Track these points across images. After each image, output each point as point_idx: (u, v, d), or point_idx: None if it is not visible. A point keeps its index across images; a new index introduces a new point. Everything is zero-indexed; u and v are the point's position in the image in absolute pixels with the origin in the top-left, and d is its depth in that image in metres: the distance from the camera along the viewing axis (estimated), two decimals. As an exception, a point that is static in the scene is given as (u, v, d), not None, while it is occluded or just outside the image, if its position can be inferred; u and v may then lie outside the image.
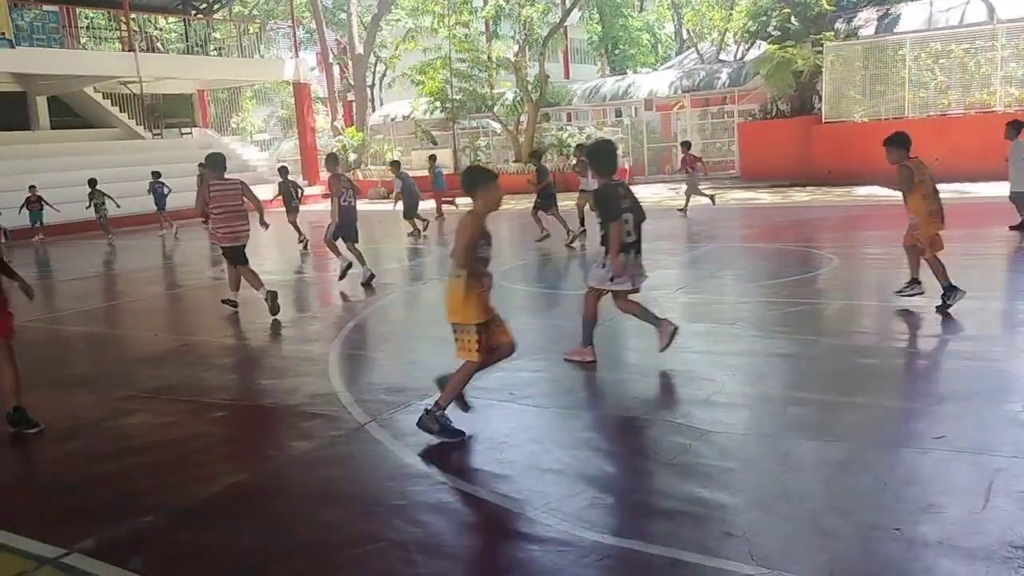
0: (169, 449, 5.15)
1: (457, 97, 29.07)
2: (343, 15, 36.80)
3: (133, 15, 28.13)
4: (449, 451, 4.80)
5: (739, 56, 31.11)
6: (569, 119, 35.04)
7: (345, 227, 10.83)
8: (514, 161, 29.41)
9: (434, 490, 4.27)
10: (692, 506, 3.86)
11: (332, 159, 11.84)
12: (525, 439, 4.90)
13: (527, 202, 20.72)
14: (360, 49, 33.19)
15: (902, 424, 4.74)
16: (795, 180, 22.80)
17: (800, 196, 20.33)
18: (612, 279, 6.11)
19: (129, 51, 26.66)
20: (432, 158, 18.05)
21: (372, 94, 40.79)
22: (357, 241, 10.98)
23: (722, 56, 34.26)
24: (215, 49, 31.86)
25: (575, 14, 38.73)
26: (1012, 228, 11.82)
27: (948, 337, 6.67)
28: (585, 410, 5.42)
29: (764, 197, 19.97)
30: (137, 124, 29.25)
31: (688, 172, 17.50)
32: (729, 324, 7.62)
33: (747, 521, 3.68)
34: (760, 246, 12.63)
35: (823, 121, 22.99)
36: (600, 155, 6.55)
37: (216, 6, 33.73)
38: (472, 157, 30.55)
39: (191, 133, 31.45)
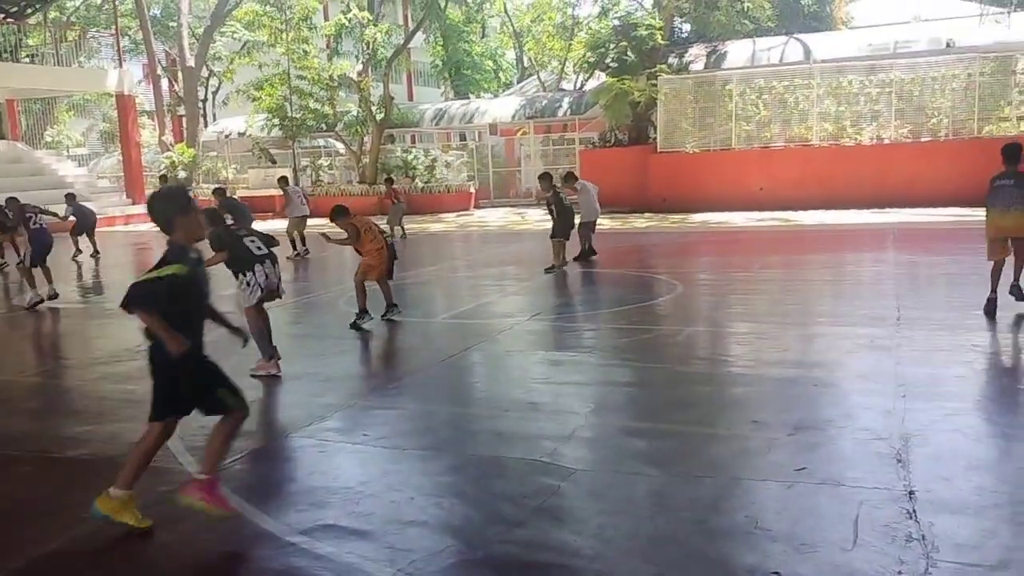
0: (-43, 517, 4.37)
1: (297, 115, 28.10)
2: (173, 24, 34.80)
3: (-73, 13, 25.34)
4: (298, 504, 4.34)
5: (579, 85, 32.01)
6: (414, 141, 34.78)
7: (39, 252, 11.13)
8: (359, 182, 28.75)
9: (281, 553, 3.80)
10: (568, 558, 3.62)
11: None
12: (383, 486, 4.51)
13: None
14: (191, 61, 31.43)
15: (764, 455, 4.73)
16: (633, 207, 23.56)
17: (639, 223, 20.99)
18: (261, 291, 6.72)
19: (-81, 52, 23.96)
20: (283, 179, 17.24)
21: (205, 109, 38.79)
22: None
23: (563, 85, 35.16)
24: (27, 56, 29.21)
25: (419, 36, 38.60)
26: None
27: (793, 362, 6.86)
28: (446, 451, 5.08)
29: (604, 223, 20.42)
30: (-69, 134, 26.25)
31: (393, 203, 19.11)
32: (586, 352, 7.54)
33: (625, 572, 3.48)
34: (606, 272, 12.80)
35: (658, 151, 23.94)
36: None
37: (29, 10, 30.99)
38: (314, 177, 29.60)
39: (-4, 145, 28.61)
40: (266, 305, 6.97)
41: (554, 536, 3.85)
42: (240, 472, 4.82)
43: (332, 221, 8.69)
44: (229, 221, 8.96)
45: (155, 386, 4.03)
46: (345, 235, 8.64)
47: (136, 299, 3.82)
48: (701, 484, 4.37)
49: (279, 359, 6.99)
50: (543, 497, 4.27)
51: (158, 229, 3.97)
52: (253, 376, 6.84)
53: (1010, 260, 8.07)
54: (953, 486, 4.18)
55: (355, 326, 8.65)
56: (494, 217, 24.77)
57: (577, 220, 13.09)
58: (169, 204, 3.96)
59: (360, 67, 29.07)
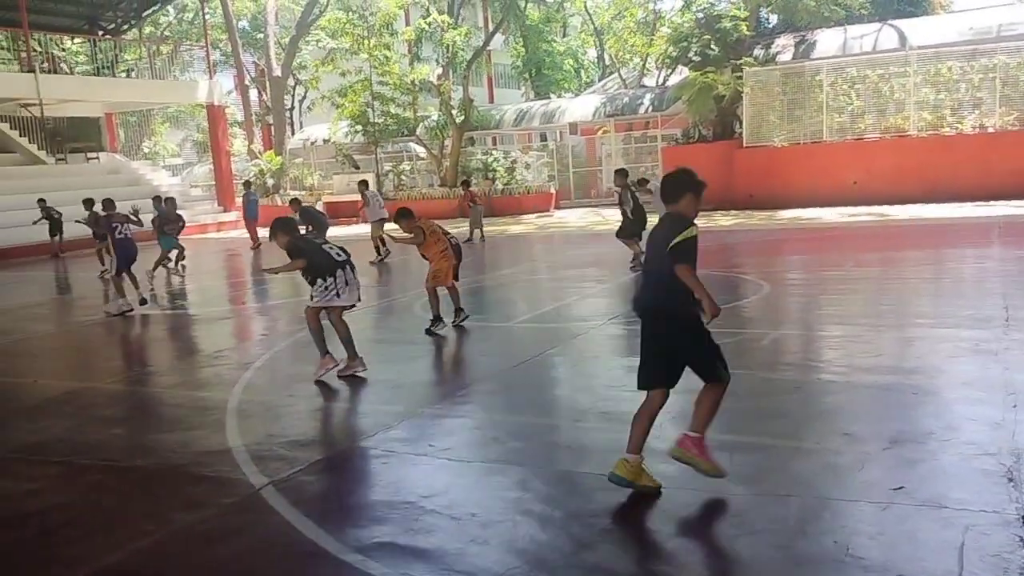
0: (24, 525, 4.39)
1: (379, 120, 28.43)
2: (260, 36, 35.77)
3: (35, 34, 26.69)
4: (357, 519, 4.19)
5: (661, 81, 31.36)
6: (494, 143, 34.78)
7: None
8: (439, 185, 28.89)
9: (332, 574, 3.65)
10: (636, 585, 3.35)
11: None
12: (445, 502, 4.31)
13: (454, 226, 20.31)
14: (278, 71, 32.19)
15: (855, 472, 4.34)
16: (718, 204, 22.84)
17: (724, 221, 20.33)
18: (338, 295, 6.74)
19: (29, 71, 25.23)
20: (363, 183, 17.36)
21: (291, 117, 39.75)
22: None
23: (644, 81, 34.54)
24: (124, 71, 30.50)
25: (499, 38, 38.64)
26: None
27: (889, 368, 6.36)
28: (513, 463, 4.86)
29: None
30: (39, 148, 27.62)
31: (471, 206, 18.84)
32: (663, 358, 7.19)
33: (699, 603, 3.19)
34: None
35: (744, 145, 23.18)
36: None
37: (125, 27, 32.37)
38: (396, 181, 29.91)
39: (97, 158, 29.92)
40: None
41: (622, 561, 3.59)
42: (300, 484, 4.70)
43: (396, 223, 8.69)
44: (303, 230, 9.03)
45: (655, 353, 4.28)
46: (411, 236, 8.57)
47: (685, 255, 4.11)
48: (786, 504, 4.02)
49: (361, 370, 6.92)
50: (613, 517, 4.00)
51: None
52: (318, 382, 6.79)
53: None
54: (1075, 511, 3.72)
55: (430, 332, 8.56)
56: (574, 218, 24.46)
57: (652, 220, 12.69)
58: (683, 181, 4.33)
59: (440, 71, 29.22)
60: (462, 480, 4.63)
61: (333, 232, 22.81)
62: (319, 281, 6.70)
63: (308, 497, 4.52)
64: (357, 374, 6.90)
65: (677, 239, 4.11)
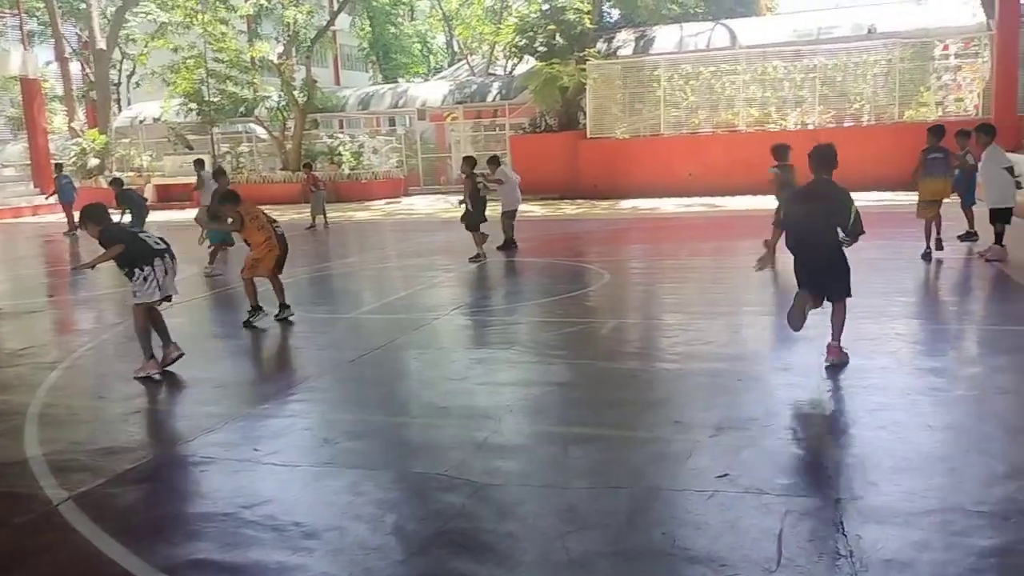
0: None
1: (214, 99, 26.99)
2: (83, 6, 33.08)
3: None
4: (169, 535, 3.85)
5: (509, 70, 31.57)
6: (341, 126, 33.89)
7: None
8: (281, 169, 27.82)
9: (141, 598, 3.33)
10: (465, 592, 3.24)
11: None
12: (269, 512, 4.03)
13: (296, 212, 19.56)
14: (102, 43, 29.87)
15: (685, 461, 4.42)
16: (564, 193, 23.29)
17: (569, 209, 20.73)
18: (159, 287, 6.33)
19: None
20: (199, 163, 16.09)
21: (118, 93, 37.09)
22: None
23: (493, 69, 34.66)
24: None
25: (345, 19, 37.62)
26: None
27: (718, 355, 6.59)
28: (344, 466, 4.63)
29: (536, 210, 20.13)
30: None
31: (313, 191, 18.29)
32: (505, 348, 7.16)
33: (529, 607, 3.12)
34: (534, 260, 12.45)
35: (588, 137, 23.69)
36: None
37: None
38: (235, 164, 28.54)
39: None
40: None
41: (454, 565, 3.46)
42: (105, 497, 4.29)
43: (219, 204, 8.20)
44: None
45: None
46: (231, 221, 8.12)
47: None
48: (618, 496, 4.03)
49: (178, 356, 6.48)
50: (445, 519, 3.87)
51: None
52: (137, 379, 6.31)
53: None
54: (881, 492, 3.93)
55: (248, 324, 8.13)
56: (423, 205, 24.22)
57: (499, 209, 12.76)
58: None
59: (281, 49, 28.08)
60: (288, 487, 4.36)
61: (165, 217, 21.50)
62: (136, 272, 6.19)
63: (114, 512, 4.12)
64: (173, 359, 6.52)
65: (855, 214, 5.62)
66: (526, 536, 3.67)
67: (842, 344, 5.86)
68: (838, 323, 5.87)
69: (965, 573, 3.19)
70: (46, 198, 22.66)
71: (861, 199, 6.02)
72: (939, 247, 10.25)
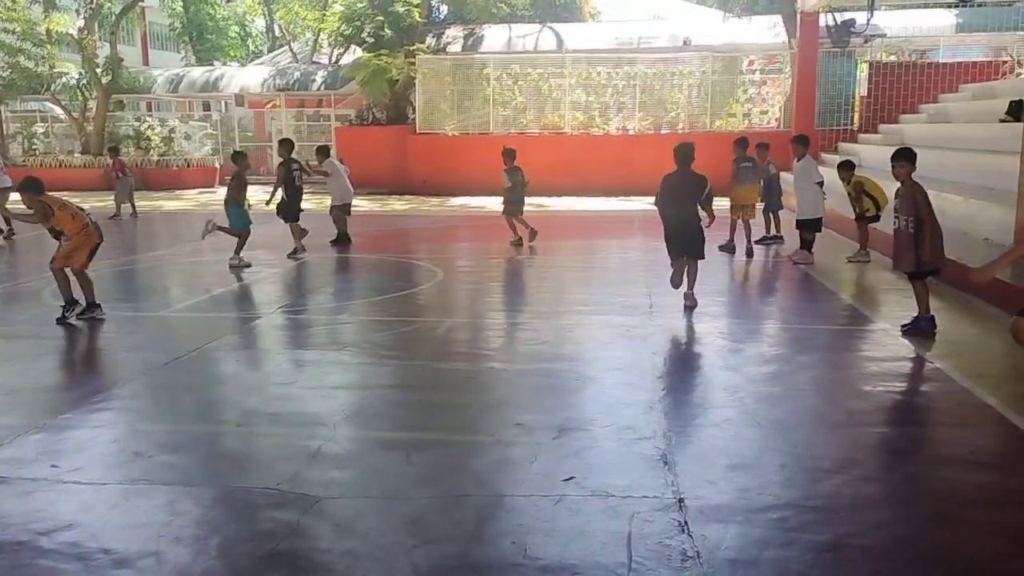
0: None
1: (3, 74, 24.33)
2: None
3: None
4: (-57, 574, 3.28)
5: (334, 59, 30.66)
6: (149, 109, 31.64)
7: None
8: (81, 152, 25.52)
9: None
10: (304, 620, 2.96)
11: None
12: (72, 538, 3.55)
13: (97, 199, 17.93)
14: None
15: (530, 465, 4.33)
16: (393, 189, 22.91)
17: (398, 205, 20.40)
18: None
19: None
20: None
21: None
22: None
23: (317, 57, 33.56)
24: None
25: (154, -6, 35.19)
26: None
27: (554, 355, 6.60)
28: (158, 483, 4.17)
29: (363, 204, 19.63)
30: None
31: (118, 177, 17.13)
32: (337, 350, 6.82)
33: (376, 632, 2.89)
34: (364, 257, 12.07)
35: (417, 131, 23.43)
36: None
37: None
38: (27, 145, 25.89)
39: None
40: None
41: (290, 590, 3.17)
42: None
43: (20, 194, 7.36)
44: None
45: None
46: (31, 212, 7.30)
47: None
48: (464, 505, 3.88)
49: None
50: (278, 539, 3.55)
51: None
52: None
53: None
54: (720, 490, 4.02)
55: (62, 320, 7.38)
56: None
57: (326, 202, 12.31)
58: None
59: (82, 23, 25.75)
60: (94, 508, 3.86)
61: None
62: None
63: None
64: None
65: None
66: (368, 553, 3.44)
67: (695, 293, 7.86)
68: (693, 277, 7.92)
69: (805, 569, 3.30)
70: None
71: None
72: (749, 254, 11.01)
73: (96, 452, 4.54)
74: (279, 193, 11.58)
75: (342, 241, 12.42)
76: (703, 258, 7.95)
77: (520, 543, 3.49)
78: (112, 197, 17.06)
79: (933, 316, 6.82)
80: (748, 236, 11.20)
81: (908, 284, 7.08)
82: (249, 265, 10.69)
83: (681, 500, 3.87)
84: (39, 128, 27.30)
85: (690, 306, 7.80)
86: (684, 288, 7.93)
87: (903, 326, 6.90)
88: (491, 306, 8.98)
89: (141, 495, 4.01)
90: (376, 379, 6.04)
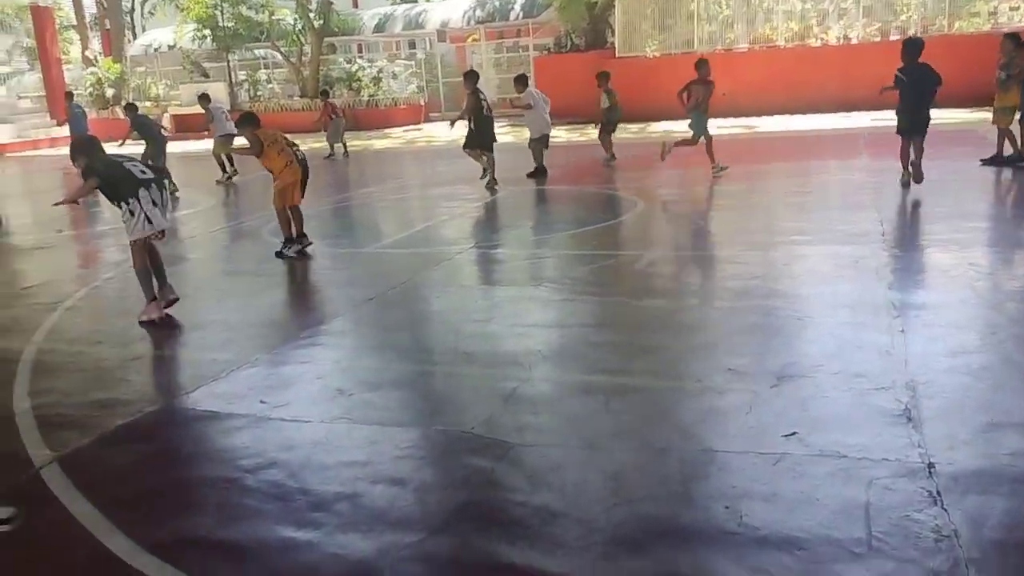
0: None
1: (228, 24, 26.08)
2: (92, -72, 32.00)
3: None
4: (163, 506, 3.39)
5: (532, -14, 30.13)
6: (359, 51, 32.85)
7: None
8: (299, 96, 27.01)
9: (122, 587, 2.88)
10: (496, 582, 2.75)
11: None
12: (275, 476, 3.57)
13: (315, 140, 18.90)
14: (113, -31, 28.95)
15: (743, 416, 3.87)
16: (592, 117, 22.32)
17: (595, 133, 19.82)
18: (149, 221, 5.74)
19: None
20: (204, 97, 15.46)
21: (131, 21, 36.19)
22: None
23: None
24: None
25: (361, -63, 36.18)
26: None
27: (770, 291, 5.97)
28: (358, 422, 4.13)
29: (561, 135, 19.31)
30: None
31: (331, 119, 17.42)
32: (534, 286, 6.59)
33: (572, 603, 2.62)
34: (562, 189, 11.78)
35: (617, 55, 22.58)
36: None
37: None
38: (252, 92, 27.78)
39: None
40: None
41: (481, 545, 2.97)
42: (93, 459, 3.85)
43: (237, 128, 7.87)
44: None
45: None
46: (248, 146, 7.69)
47: None
48: (668, 460, 3.51)
49: (174, 299, 6.05)
50: (472, 488, 3.38)
51: None
52: (142, 324, 5.87)
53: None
54: (979, 453, 3.36)
55: (281, 255, 7.77)
56: (444, 131, 23.40)
57: (526, 135, 12.10)
58: None
59: (295, -30, 26.97)
60: (297, 446, 3.87)
61: (182, 147, 20.97)
62: (123, 206, 5.70)
63: (101, 478, 3.68)
64: (169, 303, 6.10)
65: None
66: (565, 510, 3.17)
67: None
68: (919, 152, 9.00)
69: (1105, 564, 2.65)
70: (57, 125, 22.18)
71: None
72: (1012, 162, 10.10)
73: (301, 389, 4.60)
74: (461, 124, 11.63)
75: (539, 173, 12.19)
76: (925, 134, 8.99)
77: (734, 508, 3.08)
78: (326, 138, 17.85)
79: None
80: (1013, 143, 10.15)
81: None
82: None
83: (931, 465, 3.27)
84: (262, 75, 29.16)
85: (917, 179, 8.92)
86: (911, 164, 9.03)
87: None
88: (696, 237, 8.39)
89: (341, 434, 3.98)
90: (573, 317, 5.74)
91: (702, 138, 11.22)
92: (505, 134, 11.85)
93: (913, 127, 8.98)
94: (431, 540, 3.02)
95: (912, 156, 9.05)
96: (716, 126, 18.78)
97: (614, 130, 13.42)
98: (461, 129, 12.09)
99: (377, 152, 19.48)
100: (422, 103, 26.87)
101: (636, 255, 7.42)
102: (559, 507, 3.18)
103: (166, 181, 6.16)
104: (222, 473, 3.67)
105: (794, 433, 3.61)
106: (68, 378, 5.04)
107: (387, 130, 24.41)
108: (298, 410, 4.30)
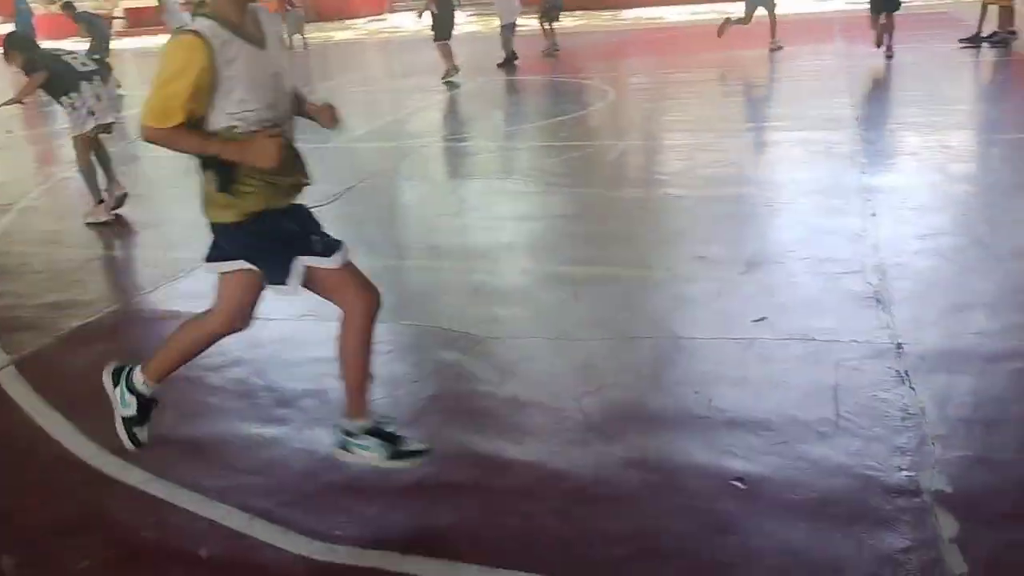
0: None
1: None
2: None
3: None
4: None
5: None
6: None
7: None
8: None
9: (90, 486, 2.84)
10: (469, 472, 2.73)
11: None
12: (238, 374, 3.51)
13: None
14: None
15: (713, 303, 3.84)
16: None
17: (566, 22, 19.18)
18: (92, 114, 5.45)
19: None
20: None
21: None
22: None
23: None
24: None
25: None
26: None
27: (741, 178, 5.88)
28: (322, 319, 4.03)
29: (531, 24, 18.65)
30: None
31: (287, 10, 16.44)
32: (504, 178, 6.45)
33: (541, 492, 2.61)
34: (531, 79, 11.45)
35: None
36: None
37: None
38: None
39: None
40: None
41: (450, 435, 2.95)
42: (50, 362, 3.76)
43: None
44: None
45: None
46: None
47: None
48: (639, 348, 3.49)
49: (123, 195, 5.85)
50: (440, 380, 3.35)
51: None
52: (88, 226, 5.69)
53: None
54: (946, 332, 3.38)
55: None
56: (411, 22, 22.56)
57: (495, 23, 11.66)
58: None
59: None
60: (260, 345, 3.76)
61: (137, 43, 20.09)
62: (64, 100, 5.43)
63: (60, 380, 3.59)
64: (118, 200, 5.87)
65: None
66: (534, 399, 3.14)
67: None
68: (890, 30, 9.55)
69: (1066, 436, 2.67)
70: (2, 22, 21.09)
71: None
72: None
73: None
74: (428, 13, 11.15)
75: (508, 62, 11.83)
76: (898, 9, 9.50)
77: (704, 392, 3.07)
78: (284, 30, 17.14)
79: None
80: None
81: None
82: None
83: (899, 346, 3.26)
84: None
85: (889, 56, 9.42)
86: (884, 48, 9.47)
87: None
88: (668, 126, 8.22)
89: (306, 332, 3.89)
90: (544, 209, 5.64)
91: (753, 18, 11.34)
92: (472, 23, 11.41)
93: (881, 3, 9.65)
94: (406, 429, 2.99)
95: (883, 34, 9.56)
96: (692, 11, 18.32)
97: (555, 18, 12.81)
98: (428, 19, 11.62)
99: (339, 44, 18.80)
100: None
101: (608, 145, 7.27)
102: (528, 397, 3.16)
103: (111, 75, 5.84)
104: (182, 373, 3.57)
105: (763, 318, 3.59)
106: (24, 280, 4.89)
107: (348, 21, 23.50)
108: (263, 308, 4.19)
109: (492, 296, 4.13)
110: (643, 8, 19.69)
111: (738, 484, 2.52)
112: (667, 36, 11.27)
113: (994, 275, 3.93)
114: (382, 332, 3.79)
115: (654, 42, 12.29)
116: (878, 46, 9.70)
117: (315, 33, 19.04)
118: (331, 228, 5.14)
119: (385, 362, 3.53)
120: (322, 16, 23.45)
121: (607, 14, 19.90)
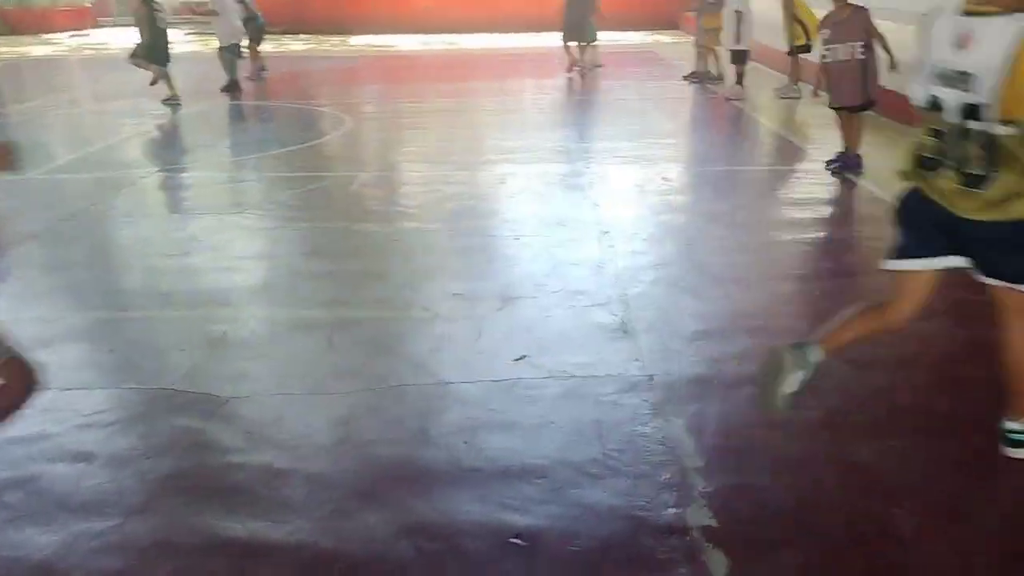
0: None
1: None
2: None
3: None
4: None
5: None
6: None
7: None
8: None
9: None
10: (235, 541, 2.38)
11: None
12: (-92, 469, 2.83)
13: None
14: None
15: (474, 344, 3.76)
16: (288, 27, 20.97)
17: (296, 46, 18.69)
18: None
19: None
20: None
21: None
22: None
23: None
24: None
25: None
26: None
27: (476, 212, 5.93)
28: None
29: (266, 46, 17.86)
30: None
31: None
32: (236, 213, 5.99)
33: (315, 557, 2.34)
34: (262, 104, 10.90)
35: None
36: None
37: None
38: None
39: None
40: None
41: (196, 520, 2.57)
42: None
43: None
44: None
45: None
46: None
47: None
48: (403, 397, 3.30)
49: None
50: (177, 453, 2.92)
51: None
52: None
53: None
54: (690, 361, 3.56)
55: None
56: (120, 39, 20.69)
57: (213, 44, 10.97)
58: None
59: None
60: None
61: None
62: None
63: None
64: None
65: None
66: (291, 466, 2.84)
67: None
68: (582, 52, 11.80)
69: (802, 449, 2.88)
70: None
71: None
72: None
73: None
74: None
75: (233, 88, 11.17)
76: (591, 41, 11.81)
77: (473, 442, 2.96)
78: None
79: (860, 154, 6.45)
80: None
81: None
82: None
83: (651, 377, 3.38)
84: None
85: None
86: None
87: (829, 162, 6.53)
88: (409, 157, 8.15)
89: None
90: (284, 246, 5.29)
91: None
92: (190, 43, 10.61)
93: (571, 34, 11.73)
94: (130, 523, 2.56)
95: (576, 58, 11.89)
96: (422, 41, 18.58)
97: (260, 40, 12.43)
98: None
99: (37, 60, 16.76)
100: (88, 5, 23.51)
101: (348, 176, 7.04)
102: (284, 464, 2.85)
103: None
104: None
105: (524, 356, 3.57)
106: None
107: (46, 35, 21.09)
108: None
109: (234, 348, 3.75)
110: (373, 35, 19.66)
111: (518, 541, 2.43)
112: (400, 64, 11.25)
113: (721, 301, 4.24)
114: (100, 400, 3.30)
115: (388, 69, 12.20)
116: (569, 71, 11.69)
117: (6, 48, 16.83)
118: (28, 276, 4.43)
119: (106, 436, 3.08)
120: (16, 29, 20.83)
121: (335, 39, 19.63)
